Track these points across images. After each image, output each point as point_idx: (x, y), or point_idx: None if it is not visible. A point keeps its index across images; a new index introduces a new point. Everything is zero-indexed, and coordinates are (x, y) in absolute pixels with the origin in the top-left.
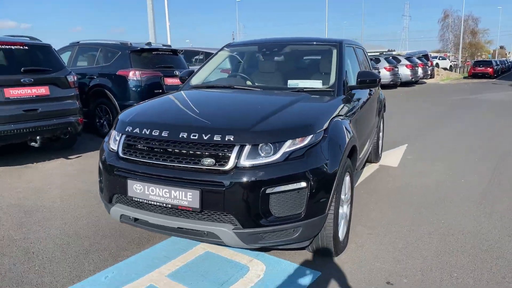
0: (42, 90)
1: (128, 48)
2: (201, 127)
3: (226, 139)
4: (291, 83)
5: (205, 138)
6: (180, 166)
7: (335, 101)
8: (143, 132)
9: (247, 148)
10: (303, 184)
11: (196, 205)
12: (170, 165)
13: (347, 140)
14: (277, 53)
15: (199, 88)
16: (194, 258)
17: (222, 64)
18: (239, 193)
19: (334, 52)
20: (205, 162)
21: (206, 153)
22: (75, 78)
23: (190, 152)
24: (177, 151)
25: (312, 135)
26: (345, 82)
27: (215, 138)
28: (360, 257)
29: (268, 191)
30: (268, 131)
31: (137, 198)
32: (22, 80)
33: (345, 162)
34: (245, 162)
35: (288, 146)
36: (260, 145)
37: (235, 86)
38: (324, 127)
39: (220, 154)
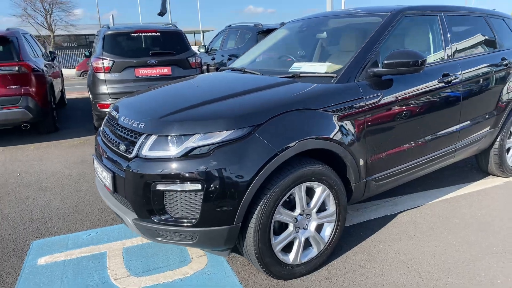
0: (165, 70)
1: (257, 29)
2: (137, 112)
3: (138, 127)
4: (295, 66)
5: (129, 124)
6: (113, 148)
7: (318, 90)
8: (110, 113)
9: (153, 138)
10: (198, 186)
11: (111, 187)
12: (110, 147)
13: (298, 142)
14: (318, 30)
15: (223, 70)
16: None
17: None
18: (135, 184)
19: (376, 26)
20: (120, 147)
21: (125, 139)
22: (198, 60)
23: (121, 136)
24: (118, 134)
25: (230, 131)
26: (364, 65)
27: (133, 125)
28: None
29: (161, 187)
30: (178, 121)
31: (98, 174)
32: (148, 62)
33: (295, 170)
34: (146, 152)
35: (193, 141)
36: (168, 136)
37: (245, 70)
38: (257, 123)
39: (131, 141)
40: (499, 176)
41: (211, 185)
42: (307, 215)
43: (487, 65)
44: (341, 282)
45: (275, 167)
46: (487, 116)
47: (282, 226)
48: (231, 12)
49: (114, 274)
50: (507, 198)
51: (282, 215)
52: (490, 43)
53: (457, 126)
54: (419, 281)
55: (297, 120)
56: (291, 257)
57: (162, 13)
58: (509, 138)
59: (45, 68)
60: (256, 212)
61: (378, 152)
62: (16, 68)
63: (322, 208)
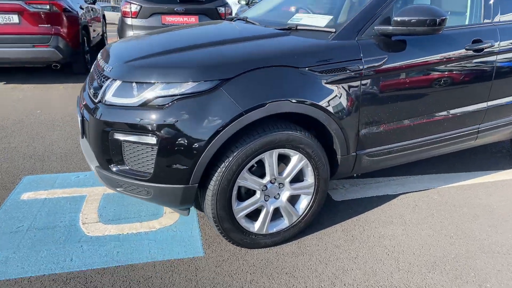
0: (192, 19)
1: None
2: (114, 56)
3: (107, 70)
4: (295, 18)
5: (103, 67)
6: (87, 92)
7: (307, 46)
8: (98, 56)
9: (117, 83)
10: (153, 139)
11: (80, 132)
12: (86, 90)
13: (270, 103)
14: None
15: (231, 20)
16: None
17: None
18: (96, 131)
19: None
20: (90, 91)
21: (97, 83)
22: (229, 10)
23: (95, 80)
24: (94, 77)
25: (194, 83)
26: (371, 22)
27: (105, 69)
28: (277, 264)
29: (119, 136)
30: (141, 67)
31: None
32: (175, 9)
33: (265, 134)
34: (109, 98)
35: (155, 90)
36: (132, 83)
37: (247, 19)
38: (225, 77)
39: (101, 85)
40: None
41: (166, 140)
42: (279, 184)
43: None
44: (307, 260)
45: (240, 128)
46: None
47: (250, 192)
48: None
49: (85, 218)
50: None
51: (247, 181)
52: None
53: (484, 105)
54: (394, 271)
55: (273, 78)
56: (256, 226)
57: None
58: None
59: (80, 10)
60: (216, 174)
61: (375, 124)
62: (47, 6)
63: (300, 179)
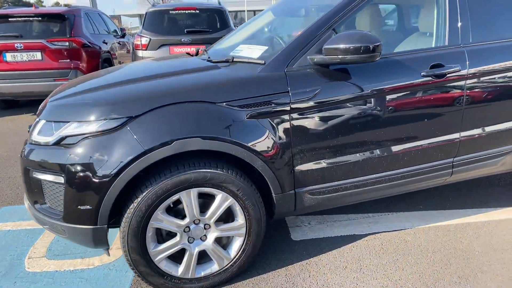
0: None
1: None
2: (51, 95)
3: (40, 109)
4: (237, 49)
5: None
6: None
7: (229, 80)
8: None
9: (41, 123)
10: (61, 178)
11: None
12: None
13: (176, 141)
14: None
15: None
16: None
17: None
18: (23, 169)
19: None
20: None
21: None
22: None
23: None
24: None
25: (102, 121)
26: (304, 51)
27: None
28: None
29: (38, 175)
30: (60, 106)
31: None
32: (182, 40)
33: (178, 173)
34: (35, 137)
35: (68, 129)
36: (52, 122)
37: (206, 51)
38: (133, 114)
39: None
40: None
41: (71, 180)
42: (205, 225)
43: None
44: None
45: (145, 166)
46: None
47: (173, 234)
48: None
49: (33, 252)
50: None
51: (163, 222)
52: None
53: (455, 136)
54: None
55: (186, 114)
56: (180, 270)
57: None
58: None
59: (103, 44)
60: (125, 216)
61: (314, 160)
62: (67, 43)
63: (231, 219)
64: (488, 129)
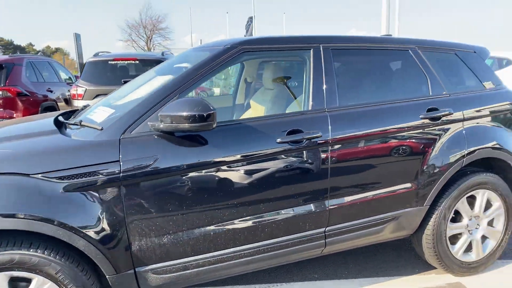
0: None
1: None
2: None
3: None
4: (91, 111)
5: None
6: None
7: (52, 148)
8: None
9: None
10: None
11: None
12: None
13: None
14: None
15: None
16: None
17: None
18: None
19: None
20: None
21: None
22: None
23: None
24: None
25: None
26: (145, 116)
27: None
28: None
29: None
30: None
31: None
32: None
33: None
34: None
35: None
36: None
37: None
38: None
39: None
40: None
41: None
42: None
43: (393, 118)
44: None
45: None
46: (399, 190)
47: None
48: None
49: None
50: None
51: None
52: (413, 87)
53: (323, 204)
54: None
55: None
56: None
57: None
58: (456, 220)
59: (47, 92)
60: None
61: (155, 235)
62: (0, 92)
63: None
64: (360, 196)
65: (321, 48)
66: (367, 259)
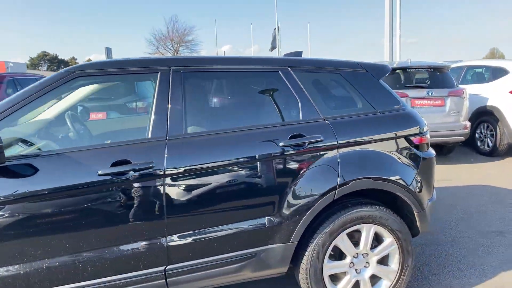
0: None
1: None
2: None
3: None
4: None
5: None
6: None
7: None
8: None
9: None
10: None
11: None
12: None
13: None
14: None
15: None
16: None
17: None
18: None
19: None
20: None
21: None
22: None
23: None
24: None
25: None
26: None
27: None
28: None
29: None
30: None
31: None
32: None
33: None
34: None
35: None
36: None
37: None
38: None
39: None
40: None
41: None
42: None
43: (249, 146)
44: None
45: None
46: (254, 225)
47: None
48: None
49: None
50: None
51: None
52: (279, 111)
53: (160, 241)
54: None
55: None
56: None
57: (272, 48)
58: (337, 258)
59: None
60: None
61: None
62: None
63: None
64: (207, 232)
65: (170, 71)
66: None
